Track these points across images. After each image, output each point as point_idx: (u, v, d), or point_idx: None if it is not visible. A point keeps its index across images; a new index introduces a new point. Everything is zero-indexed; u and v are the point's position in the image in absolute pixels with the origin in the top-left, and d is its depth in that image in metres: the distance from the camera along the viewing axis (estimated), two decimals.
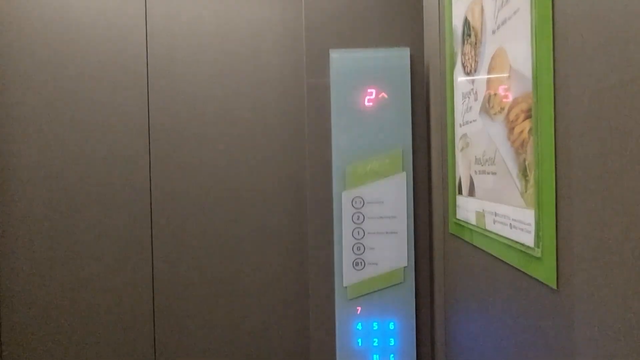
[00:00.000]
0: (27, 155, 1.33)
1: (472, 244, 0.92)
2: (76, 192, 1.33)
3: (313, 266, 1.22)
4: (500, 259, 0.77)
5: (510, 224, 0.71)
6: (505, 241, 0.73)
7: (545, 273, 0.60)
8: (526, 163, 0.65)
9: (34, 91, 1.33)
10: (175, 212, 1.34)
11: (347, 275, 1.20)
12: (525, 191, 0.65)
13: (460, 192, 0.99)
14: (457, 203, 1.02)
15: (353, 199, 1.21)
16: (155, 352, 1.34)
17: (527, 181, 0.65)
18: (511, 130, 0.70)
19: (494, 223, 0.78)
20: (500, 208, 0.75)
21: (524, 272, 0.67)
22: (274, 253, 1.33)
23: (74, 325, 1.34)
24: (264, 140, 1.33)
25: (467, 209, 0.94)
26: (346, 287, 1.20)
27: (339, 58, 1.22)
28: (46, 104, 1.33)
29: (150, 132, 1.33)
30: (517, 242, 0.68)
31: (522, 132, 0.66)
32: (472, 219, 0.90)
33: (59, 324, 1.34)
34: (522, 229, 0.66)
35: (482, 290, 0.87)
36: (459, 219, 1.01)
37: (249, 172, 1.33)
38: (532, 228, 0.63)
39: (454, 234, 1.06)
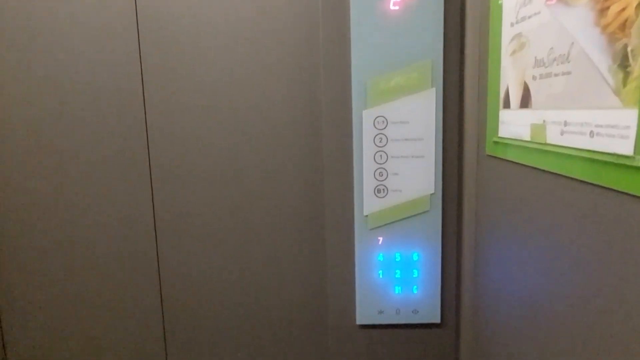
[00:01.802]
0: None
1: (520, 164, 0.80)
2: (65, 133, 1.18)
3: (330, 193, 1.11)
4: (568, 177, 0.65)
5: (592, 131, 0.58)
6: (581, 154, 0.60)
7: None
8: (628, 49, 0.51)
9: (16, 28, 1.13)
10: (173, 124, 1.19)
11: (368, 203, 1.09)
12: (624, 86, 0.51)
13: (507, 106, 0.85)
14: (501, 119, 0.88)
15: (375, 119, 1.07)
16: (161, 289, 1.26)
17: (627, 73, 0.51)
18: (602, 12, 0.55)
19: (562, 134, 0.65)
20: (574, 115, 0.62)
21: (610, 189, 0.55)
22: (286, 176, 1.21)
23: (73, 297, 1.25)
24: (270, 48, 1.16)
25: (517, 123, 0.81)
26: (367, 216, 1.10)
27: None
28: (31, 38, 1.14)
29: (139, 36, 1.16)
30: (602, 153, 0.56)
31: (623, 10, 0.51)
32: (525, 135, 0.77)
33: (56, 293, 1.25)
34: (613, 136, 0.54)
35: (533, 215, 0.77)
36: (502, 137, 0.88)
37: (253, 84, 1.17)
38: (633, 132, 0.50)
39: (492, 155, 0.94)
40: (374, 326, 1.16)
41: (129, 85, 1.17)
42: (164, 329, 1.28)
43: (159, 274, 1.25)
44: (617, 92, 0.53)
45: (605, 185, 0.56)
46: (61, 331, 1.28)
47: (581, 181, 0.61)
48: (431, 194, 1.08)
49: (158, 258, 1.24)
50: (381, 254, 1.12)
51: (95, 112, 1.18)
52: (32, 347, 1.29)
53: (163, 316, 1.27)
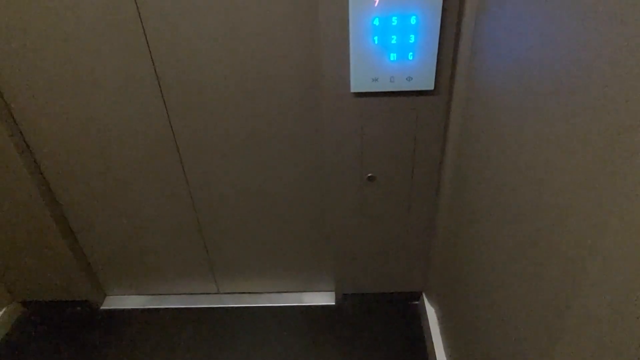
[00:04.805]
0: None
1: None
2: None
3: None
4: None
5: None
6: None
7: None
8: None
9: None
10: None
11: None
12: None
13: None
14: None
15: None
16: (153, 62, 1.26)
17: None
18: None
19: None
20: None
21: None
22: None
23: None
24: None
25: None
26: None
27: None
28: None
29: None
30: None
31: None
32: None
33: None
34: None
35: None
36: None
37: None
38: None
39: None
40: (368, 94, 1.19)
41: None
42: (162, 96, 1.34)
43: (150, 51, 1.25)
44: None
45: None
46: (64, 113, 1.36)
47: None
48: None
49: (145, 33, 1.21)
50: (377, 18, 1.06)
51: None
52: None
53: (160, 87, 1.32)
